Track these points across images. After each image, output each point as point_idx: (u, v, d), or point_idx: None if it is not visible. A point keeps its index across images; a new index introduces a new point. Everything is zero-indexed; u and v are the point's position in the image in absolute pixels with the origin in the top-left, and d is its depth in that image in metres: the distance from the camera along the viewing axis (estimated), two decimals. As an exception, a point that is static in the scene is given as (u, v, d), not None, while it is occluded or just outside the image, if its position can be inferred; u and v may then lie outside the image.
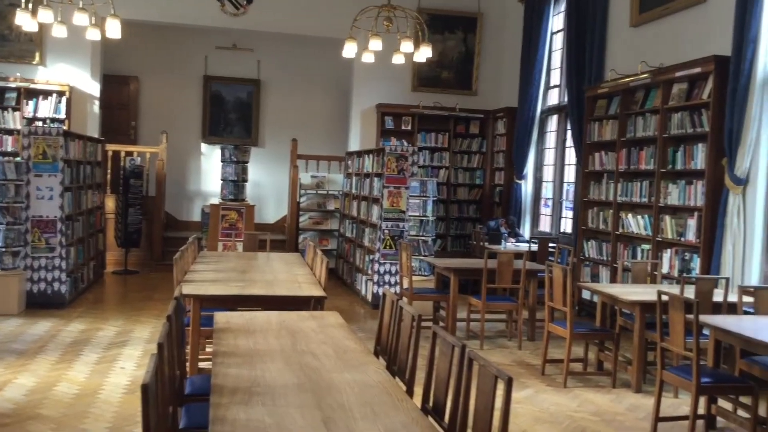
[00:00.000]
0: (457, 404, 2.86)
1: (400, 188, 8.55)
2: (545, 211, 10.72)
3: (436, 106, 11.71)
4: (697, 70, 6.73)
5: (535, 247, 8.91)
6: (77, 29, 8.28)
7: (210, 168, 12.81)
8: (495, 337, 7.39)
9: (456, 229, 12.01)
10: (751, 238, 6.22)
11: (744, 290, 5.28)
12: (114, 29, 7.34)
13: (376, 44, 8.01)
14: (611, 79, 8.28)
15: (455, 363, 2.96)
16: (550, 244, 8.91)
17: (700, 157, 6.68)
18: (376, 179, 8.97)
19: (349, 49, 8.06)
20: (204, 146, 13.09)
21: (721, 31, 6.61)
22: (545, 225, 10.66)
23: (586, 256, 8.62)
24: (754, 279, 6.20)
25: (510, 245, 9.52)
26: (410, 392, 3.32)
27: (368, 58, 8.50)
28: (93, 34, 7.95)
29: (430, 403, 3.17)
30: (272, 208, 13.13)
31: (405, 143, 11.43)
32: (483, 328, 6.97)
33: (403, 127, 11.73)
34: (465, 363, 2.86)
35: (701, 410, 4.67)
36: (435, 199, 10.49)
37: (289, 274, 5.78)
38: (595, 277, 8.41)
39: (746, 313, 5.17)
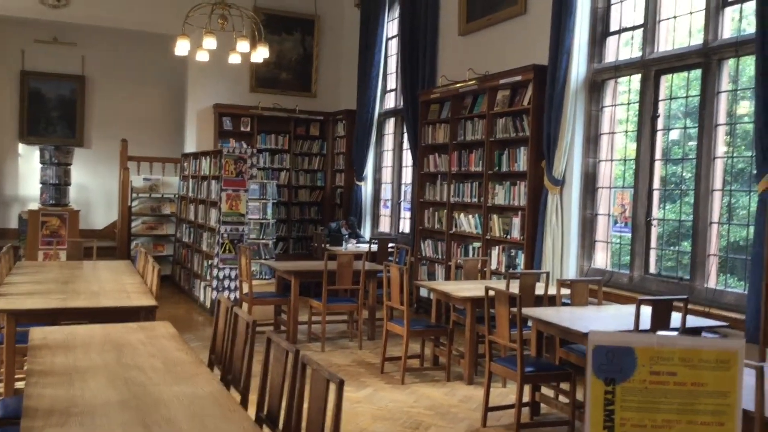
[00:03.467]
0: (291, 410, 2.84)
1: (239, 191, 8.36)
2: (384, 212, 10.97)
3: (276, 108, 11.59)
4: (518, 78, 7.18)
5: (375, 247, 9.08)
6: None
7: (29, 171, 11.82)
8: (337, 339, 7.44)
9: (298, 232, 11.97)
10: (567, 234, 6.74)
11: (562, 283, 5.71)
12: None
13: (210, 42, 7.77)
14: (442, 84, 8.63)
15: (289, 368, 2.93)
16: (390, 245, 9.12)
17: (522, 160, 7.14)
18: (214, 182, 8.71)
19: (182, 47, 7.76)
20: (22, 147, 12.07)
21: (539, 42, 7.09)
22: (385, 225, 10.90)
23: (423, 255, 8.92)
24: (571, 272, 6.72)
25: (351, 246, 9.63)
26: (245, 402, 3.25)
27: (202, 56, 8.22)
28: None
29: (265, 411, 3.12)
30: (101, 213, 12.37)
31: (244, 145, 11.19)
32: (324, 330, 6.99)
33: (242, 129, 11.49)
34: (299, 368, 2.84)
35: (526, 398, 4.97)
36: (276, 201, 10.36)
37: (117, 283, 5.46)
38: (431, 275, 8.73)
39: (564, 304, 5.58)
